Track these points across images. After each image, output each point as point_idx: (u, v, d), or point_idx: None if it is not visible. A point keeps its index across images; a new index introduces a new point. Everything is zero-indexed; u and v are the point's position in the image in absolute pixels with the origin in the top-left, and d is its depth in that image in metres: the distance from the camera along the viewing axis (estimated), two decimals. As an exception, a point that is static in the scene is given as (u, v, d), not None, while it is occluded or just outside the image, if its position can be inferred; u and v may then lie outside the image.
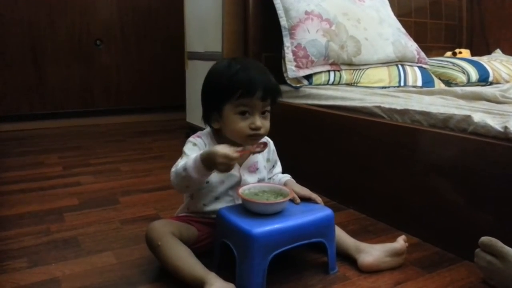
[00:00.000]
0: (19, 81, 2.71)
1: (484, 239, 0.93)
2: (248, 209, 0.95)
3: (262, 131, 0.99)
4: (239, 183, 1.04)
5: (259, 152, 1.01)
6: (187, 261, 0.92)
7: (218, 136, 1.06)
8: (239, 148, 0.93)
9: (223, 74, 0.99)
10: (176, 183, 0.97)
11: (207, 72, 1.06)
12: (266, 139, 1.11)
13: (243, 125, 0.98)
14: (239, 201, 1.02)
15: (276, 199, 0.96)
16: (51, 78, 2.81)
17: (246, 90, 0.96)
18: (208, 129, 1.08)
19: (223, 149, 0.88)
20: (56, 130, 2.76)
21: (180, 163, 0.96)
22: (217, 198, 1.04)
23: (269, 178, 1.14)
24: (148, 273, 1.00)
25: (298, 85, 1.79)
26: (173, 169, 0.98)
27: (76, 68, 2.89)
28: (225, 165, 0.89)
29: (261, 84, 0.97)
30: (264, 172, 1.10)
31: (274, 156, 1.15)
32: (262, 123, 0.99)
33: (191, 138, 1.05)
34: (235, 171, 1.02)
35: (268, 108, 1.01)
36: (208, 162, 0.90)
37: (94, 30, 2.92)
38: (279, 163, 1.17)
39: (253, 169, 1.07)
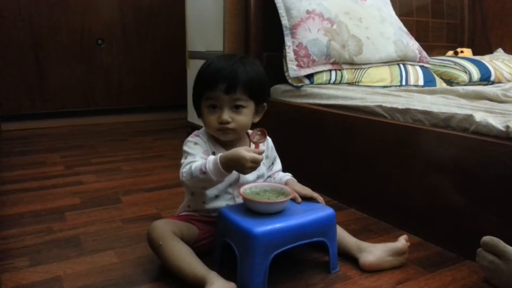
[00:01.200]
0: (21, 80, 2.72)
1: (486, 238, 0.93)
2: (249, 208, 0.95)
3: (231, 125, 1.00)
4: (238, 180, 1.04)
5: (259, 141, 1.00)
6: (188, 260, 0.92)
7: None
8: (253, 146, 0.96)
9: (200, 71, 1.03)
10: (193, 184, 0.97)
11: None
12: None
13: (212, 118, 1.01)
14: (239, 199, 1.03)
15: (277, 198, 0.95)
16: (52, 77, 2.81)
17: (207, 83, 0.98)
18: (203, 127, 1.09)
19: (249, 153, 0.89)
20: (57, 129, 2.77)
21: (194, 164, 0.95)
22: (217, 196, 1.05)
23: (269, 176, 1.14)
24: (149, 272, 1.00)
25: (299, 84, 1.78)
26: (183, 170, 0.98)
27: (77, 67, 2.89)
28: (254, 168, 0.91)
29: (224, 76, 0.97)
30: (262, 168, 1.10)
31: (273, 153, 1.16)
32: (232, 117, 0.99)
33: (190, 138, 1.05)
34: None
35: (241, 102, 1.00)
36: (233, 166, 0.90)
37: (96, 30, 2.92)
38: (278, 160, 1.17)
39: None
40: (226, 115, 0.98)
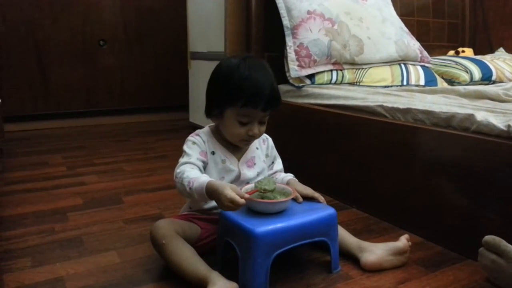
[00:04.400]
0: (23, 82, 2.73)
1: (488, 238, 0.93)
2: (251, 208, 0.95)
3: (257, 137, 1.04)
4: (238, 178, 1.06)
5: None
6: (191, 260, 0.92)
7: (217, 134, 1.08)
8: (249, 191, 0.94)
9: (231, 77, 0.99)
10: (181, 190, 0.98)
11: (216, 67, 1.06)
12: (265, 135, 1.14)
13: (241, 131, 1.01)
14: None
15: (278, 198, 0.96)
16: (55, 78, 2.82)
17: (250, 101, 0.97)
18: (207, 127, 1.10)
19: (231, 193, 0.86)
20: (60, 130, 2.78)
21: (187, 173, 0.95)
22: None
23: (270, 175, 1.14)
24: (151, 272, 1.00)
25: (300, 84, 1.79)
26: (177, 170, 0.99)
27: (79, 68, 2.90)
28: (230, 208, 0.88)
29: (266, 96, 0.98)
30: (262, 166, 1.11)
31: (273, 152, 1.17)
32: (259, 129, 1.02)
33: (190, 137, 1.06)
34: (234, 166, 1.06)
35: (267, 116, 1.03)
36: (214, 197, 0.90)
37: (98, 31, 2.92)
38: (279, 160, 1.18)
39: (251, 164, 1.09)
40: (257, 130, 1.01)
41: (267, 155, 1.14)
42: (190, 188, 0.93)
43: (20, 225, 1.26)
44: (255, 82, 0.97)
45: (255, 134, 1.01)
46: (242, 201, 0.87)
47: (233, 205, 0.86)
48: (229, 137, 1.04)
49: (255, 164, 1.09)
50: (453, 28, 2.80)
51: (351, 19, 1.89)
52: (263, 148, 1.13)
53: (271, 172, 1.15)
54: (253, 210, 0.95)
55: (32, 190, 1.58)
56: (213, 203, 1.04)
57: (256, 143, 1.11)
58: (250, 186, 1.00)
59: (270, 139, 1.16)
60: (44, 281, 0.96)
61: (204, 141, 1.05)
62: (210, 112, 1.05)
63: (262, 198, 0.95)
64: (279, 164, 1.17)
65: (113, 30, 2.98)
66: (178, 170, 0.99)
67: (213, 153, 1.05)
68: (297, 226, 0.93)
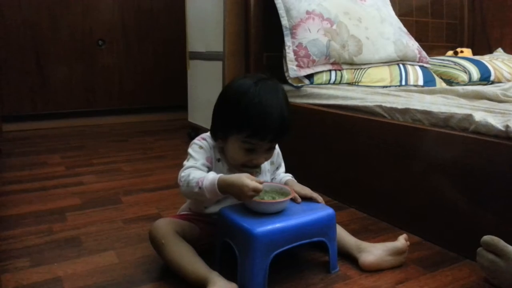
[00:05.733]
0: (22, 81, 2.72)
1: (486, 238, 0.93)
2: (250, 208, 0.95)
3: (261, 165, 1.01)
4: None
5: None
6: (190, 260, 0.92)
7: None
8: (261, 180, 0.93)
9: (239, 102, 0.93)
10: (187, 192, 0.96)
11: (227, 86, 1.02)
12: None
13: (245, 159, 0.98)
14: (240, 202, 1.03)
15: (277, 198, 0.96)
16: (53, 78, 2.82)
17: (257, 133, 0.93)
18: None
19: (252, 182, 0.87)
20: (58, 130, 2.77)
21: (193, 174, 0.94)
22: (218, 201, 1.04)
23: (272, 179, 1.14)
24: (150, 272, 1.00)
25: (299, 84, 1.79)
26: (182, 174, 0.97)
27: (78, 68, 2.90)
28: (252, 197, 0.89)
29: (274, 128, 0.93)
30: (267, 176, 1.10)
31: (279, 159, 1.15)
32: (266, 157, 1.00)
33: (196, 141, 1.04)
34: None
35: (275, 145, 1.00)
36: (232, 191, 0.89)
37: (96, 30, 2.92)
38: (283, 166, 1.17)
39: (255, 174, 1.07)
40: (263, 159, 0.99)
41: (272, 163, 1.12)
42: (199, 188, 0.91)
43: (18, 225, 1.26)
44: (264, 112, 0.91)
45: (260, 164, 0.99)
46: (262, 186, 0.89)
47: (256, 193, 0.87)
48: (232, 162, 1.01)
49: (259, 174, 1.07)
50: (452, 28, 2.81)
51: (349, 19, 1.89)
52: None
53: (273, 176, 1.15)
54: (252, 210, 0.95)
55: (30, 190, 1.58)
56: (214, 209, 1.03)
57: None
58: None
59: (277, 146, 1.10)
60: (42, 281, 0.96)
61: (210, 147, 1.03)
62: (215, 133, 1.02)
63: (261, 198, 0.95)
64: (282, 168, 1.16)
65: (112, 30, 2.98)
66: (183, 173, 0.97)
67: (218, 160, 1.03)
68: (296, 226, 0.93)
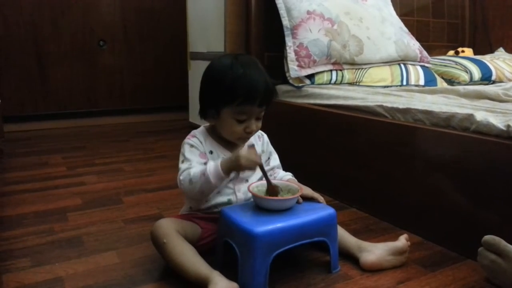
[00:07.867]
0: (23, 82, 2.73)
1: (487, 237, 0.93)
2: (260, 206, 0.96)
3: (254, 133, 1.04)
4: (238, 174, 1.05)
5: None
6: (191, 259, 0.92)
7: (213, 133, 1.08)
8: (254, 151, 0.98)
9: (225, 76, 0.98)
10: (191, 189, 0.99)
11: (208, 67, 1.06)
12: (260, 132, 1.14)
13: (239, 129, 1.01)
14: (240, 193, 1.05)
15: (284, 195, 0.97)
16: (55, 78, 2.82)
17: (247, 98, 0.98)
18: (202, 127, 1.10)
19: (245, 153, 0.94)
20: (59, 130, 2.78)
21: (193, 171, 0.98)
22: (218, 192, 1.05)
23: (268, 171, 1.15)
24: (151, 272, 1.00)
25: (300, 84, 1.79)
26: (181, 177, 0.99)
27: (79, 68, 2.90)
28: (250, 166, 0.95)
29: (261, 92, 0.98)
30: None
31: (269, 147, 1.17)
32: (256, 125, 1.03)
33: (187, 140, 1.06)
34: None
35: (263, 112, 1.04)
36: (232, 167, 0.95)
37: (98, 31, 2.93)
38: (275, 155, 1.18)
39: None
40: (255, 126, 1.02)
41: (263, 151, 1.14)
42: (204, 175, 0.96)
43: (19, 225, 1.26)
44: (250, 79, 0.98)
45: (253, 130, 1.02)
46: (259, 160, 0.95)
47: (252, 162, 0.94)
48: (227, 136, 1.04)
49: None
50: (453, 28, 2.80)
51: (350, 19, 1.89)
52: (259, 145, 1.13)
53: (268, 167, 1.15)
54: (261, 207, 0.96)
55: (31, 190, 1.58)
56: (215, 201, 1.05)
57: (252, 140, 1.11)
58: (255, 185, 1.00)
59: (265, 136, 1.17)
60: (43, 281, 0.96)
61: (201, 142, 1.05)
62: (205, 113, 1.05)
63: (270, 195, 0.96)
64: (275, 160, 1.17)
65: (113, 30, 2.98)
66: (181, 177, 0.99)
67: (211, 152, 1.05)
68: (297, 226, 0.93)
